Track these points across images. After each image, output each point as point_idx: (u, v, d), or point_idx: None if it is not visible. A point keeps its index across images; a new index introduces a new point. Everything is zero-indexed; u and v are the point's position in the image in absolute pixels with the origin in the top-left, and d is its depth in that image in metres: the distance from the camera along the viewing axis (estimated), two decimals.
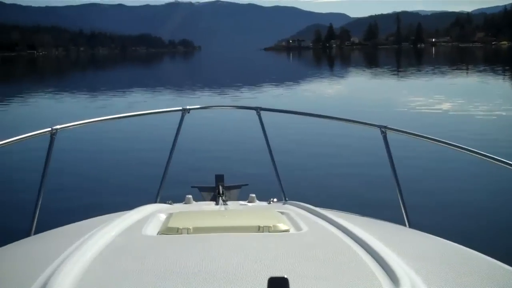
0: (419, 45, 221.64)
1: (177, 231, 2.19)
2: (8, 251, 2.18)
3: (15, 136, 3.18)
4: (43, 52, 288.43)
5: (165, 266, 1.74)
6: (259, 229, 2.20)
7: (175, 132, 4.13)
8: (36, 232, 3.00)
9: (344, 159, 11.42)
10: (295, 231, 2.26)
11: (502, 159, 2.96)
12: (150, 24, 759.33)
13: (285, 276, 1.01)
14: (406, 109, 19.92)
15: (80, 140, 12.58)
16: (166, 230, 2.21)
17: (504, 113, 18.37)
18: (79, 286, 1.57)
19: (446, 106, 20.65)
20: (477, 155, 3.08)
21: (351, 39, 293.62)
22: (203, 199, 4.09)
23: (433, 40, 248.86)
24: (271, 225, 2.22)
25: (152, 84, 38.15)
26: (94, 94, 30.32)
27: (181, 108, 4.10)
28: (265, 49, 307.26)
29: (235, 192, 4.19)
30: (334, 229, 2.25)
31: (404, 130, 3.51)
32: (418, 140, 3.60)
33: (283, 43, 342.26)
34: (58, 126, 3.37)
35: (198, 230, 2.20)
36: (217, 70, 66.92)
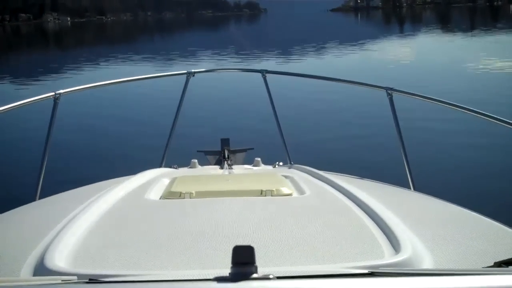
0: (495, 3, 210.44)
1: (179, 195, 2.19)
2: (13, 216, 2.24)
3: (19, 101, 3.17)
4: (112, 18, 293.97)
5: (166, 230, 1.73)
6: (261, 193, 2.19)
7: (180, 96, 4.09)
8: (41, 197, 3.01)
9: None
10: (298, 194, 2.27)
11: (510, 120, 2.82)
12: None
13: (251, 245, 0.97)
14: (477, 72, 18.73)
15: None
16: (169, 195, 2.22)
17: None
18: (81, 249, 1.59)
19: None
20: (484, 117, 2.98)
21: None
22: (208, 163, 4.11)
23: None
24: (273, 189, 2.21)
25: (217, 47, 37.68)
26: (159, 58, 30.53)
27: (185, 71, 4.06)
28: (332, 10, 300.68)
29: (240, 156, 4.23)
30: (337, 193, 2.24)
31: (410, 92, 3.47)
32: (424, 102, 3.52)
33: (351, 3, 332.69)
34: (61, 91, 3.32)
35: (200, 194, 2.19)
36: (281, 33, 65.93)
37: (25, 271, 1.48)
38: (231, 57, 29.57)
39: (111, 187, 2.33)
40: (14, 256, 1.59)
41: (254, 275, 0.95)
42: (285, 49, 32.97)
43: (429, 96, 3.42)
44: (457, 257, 1.55)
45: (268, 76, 4.10)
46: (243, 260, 0.95)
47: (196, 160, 3.68)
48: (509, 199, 6.36)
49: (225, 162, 3.84)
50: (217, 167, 3.78)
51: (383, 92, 3.48)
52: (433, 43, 37.02)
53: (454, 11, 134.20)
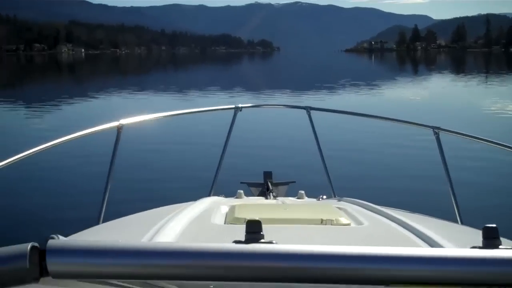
0: (511, 49, 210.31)
1: (244, 221, 2.15)
2: (79, 238, 2.28)
3: (84, 130, 3.27)
4: (126, 51, 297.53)
5: None
6: (321, 222, 2.25)
7: (228, 129, 4.26)
8: (104, 221, 3.07)
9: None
10: (356, 225, 2.31)
11: None
12: (230, 24, 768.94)
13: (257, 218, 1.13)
14: (493, 116, 18.54)
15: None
16: (234, 220, 2.30)
17: None
18: None
19: None
20: None
21: (437, 41, 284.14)
22: (251, 194, 4.25)
23: None
24: (333, 219, 2.28)
25: (228, 83, 37.71)
26: (174, 92, 30.57)
27: (234, 106, 4.21)
28: (346, 50, 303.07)
29: (283, 188, 4.41)
30: (393, 224, 2.28)
31: (457, 131, 3.56)
32: (471, 141, 3.58)
33: (365, 45, 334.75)
34: (124, 121, 3.45)
35: (264, 221, 1.89)
36: (293, 71, 66.17)
37: None
38: (243, 94, 29.11)
39: (177, 212, 2.40)
40: None
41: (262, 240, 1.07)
42: (295, 87, 32.71)
43: (475, 135, 3.51)
44: None
45: (312, 112, 4.23)
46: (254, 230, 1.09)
47: (242, 191, 3.79)
48: None
49: (271, 193, 3.99)
50: (262, 198, 3.89)
51: (430, 131, 3.56)
52: (447, 86, 36.38)
53: (469, 56, 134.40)
